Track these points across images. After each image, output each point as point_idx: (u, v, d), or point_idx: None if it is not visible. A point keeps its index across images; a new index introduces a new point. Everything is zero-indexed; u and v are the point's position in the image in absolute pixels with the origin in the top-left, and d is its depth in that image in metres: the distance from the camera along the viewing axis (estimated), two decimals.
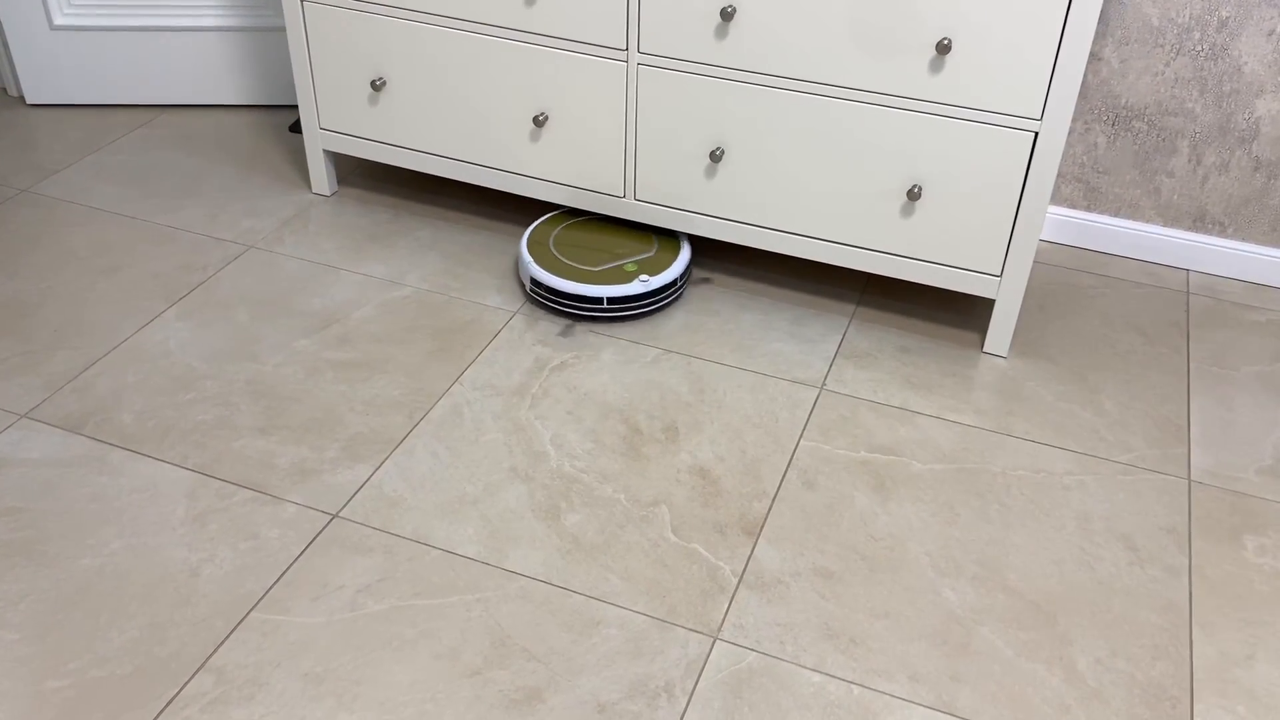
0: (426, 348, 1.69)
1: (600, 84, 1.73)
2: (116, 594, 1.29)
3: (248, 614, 1.27)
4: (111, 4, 2.25)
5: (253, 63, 2.32)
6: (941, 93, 1.55)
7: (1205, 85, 1.80)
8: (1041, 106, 1.51)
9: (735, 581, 1.33)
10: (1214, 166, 1.86)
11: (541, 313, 1.77)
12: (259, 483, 1.44)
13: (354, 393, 1.60)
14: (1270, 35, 1.73)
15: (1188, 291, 1.89)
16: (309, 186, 2.08)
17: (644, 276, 1.71)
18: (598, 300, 1.72)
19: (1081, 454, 1.54)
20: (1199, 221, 1.92)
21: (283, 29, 2.28)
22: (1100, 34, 1.82)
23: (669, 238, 1.85)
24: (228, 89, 2.34)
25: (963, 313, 1.81)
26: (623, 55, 1.69)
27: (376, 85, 1.86)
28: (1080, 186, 1.96)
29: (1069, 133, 1.84)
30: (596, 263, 1.76)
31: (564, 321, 1.75)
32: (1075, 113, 1.89)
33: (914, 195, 1.61)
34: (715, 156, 1.69)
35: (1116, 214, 1.96)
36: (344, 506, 1.41)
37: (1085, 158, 1.93)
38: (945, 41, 1.49)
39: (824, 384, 1.65)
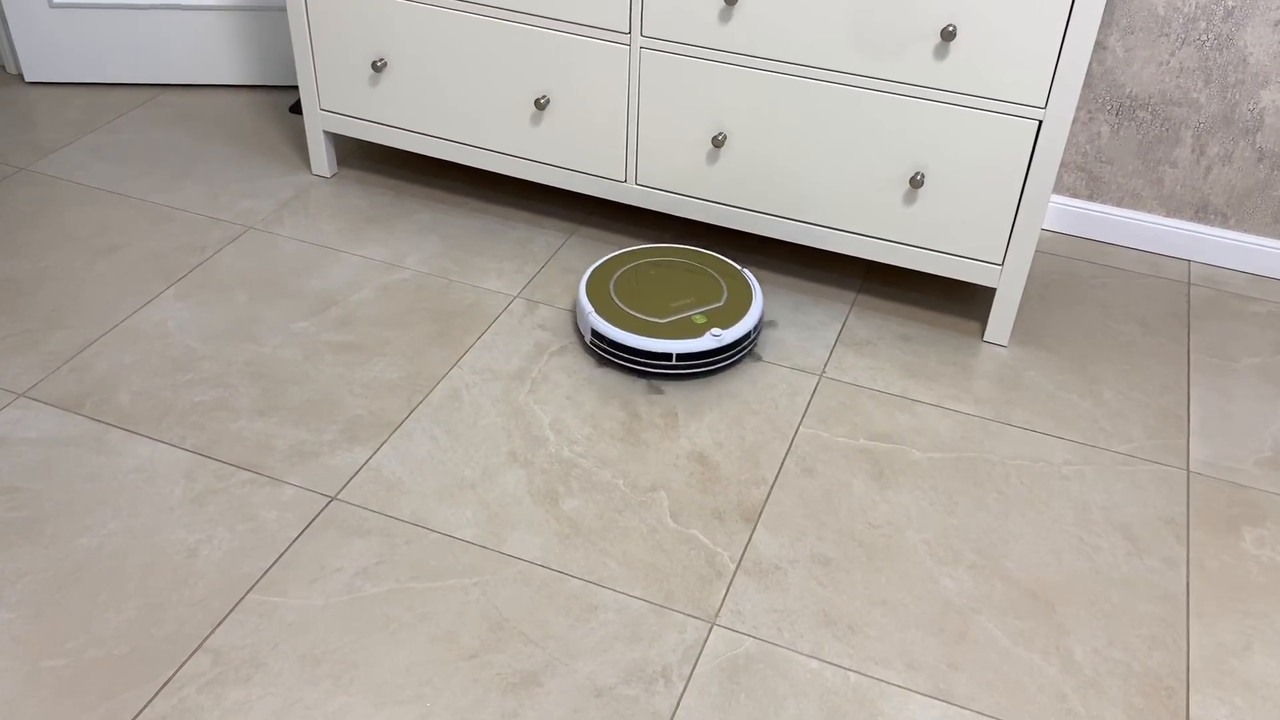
0: (426, 331, 1.68)
1: (602, 67, 1.72)
2: (114, 574, 1.28)
3: (245, 595, 1.27)
4: None
5: (253, 43, 2.30)
6: (945, 80, 1.54)
7: (1210, 75, 1.79)
8: (1046, 95, 1.50)
9: (733, 568, 1.33)
10: (1217, 157, 1.86)
11: (542, 298, 1.77)
12: (257, 464, 1.44)
13: (352, 375, 1.59)
14: (1276, 26, 1.72)
15: (1189, 282, 1.89)
16: (309, 168, 2.07)
17: (715, 330, 1.57)
18: (665, 356, 1.57)
19: (1081, 444, 1.54)
20: (1201, 212, 1.92)
21: (283, 9, 2.27)
22: (1105, 22, 1.81)
23: (739, 283, 1.70)
24: (227, 69, 2.33)
25: (964, 301, 1.81)
26: (625, 38, 1.68)
27: (377, 66, 1.85)
28: (1083, 176, 1.95)
29: (1073, 122, 1.83)
30: (662, 312, 1.62)
31: (638, 378, 1.59)
32: (1079, 102, 1.88)
33: (916, 183, 1.60)
34: (717, 142, 1.69)
35: (1119, 204, 1.96)
36: (342, 489, 1.41)
37: (1088, 147, 1.92)
38: (950, 28, 1.48)
39: (824, 371, 1.65)
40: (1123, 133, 1.89)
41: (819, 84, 1.61)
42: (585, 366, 1.63)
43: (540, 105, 1.77)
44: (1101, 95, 1.87)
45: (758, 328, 1.66)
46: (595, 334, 1.61)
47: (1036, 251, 1.95)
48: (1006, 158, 1.56)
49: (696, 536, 1.37)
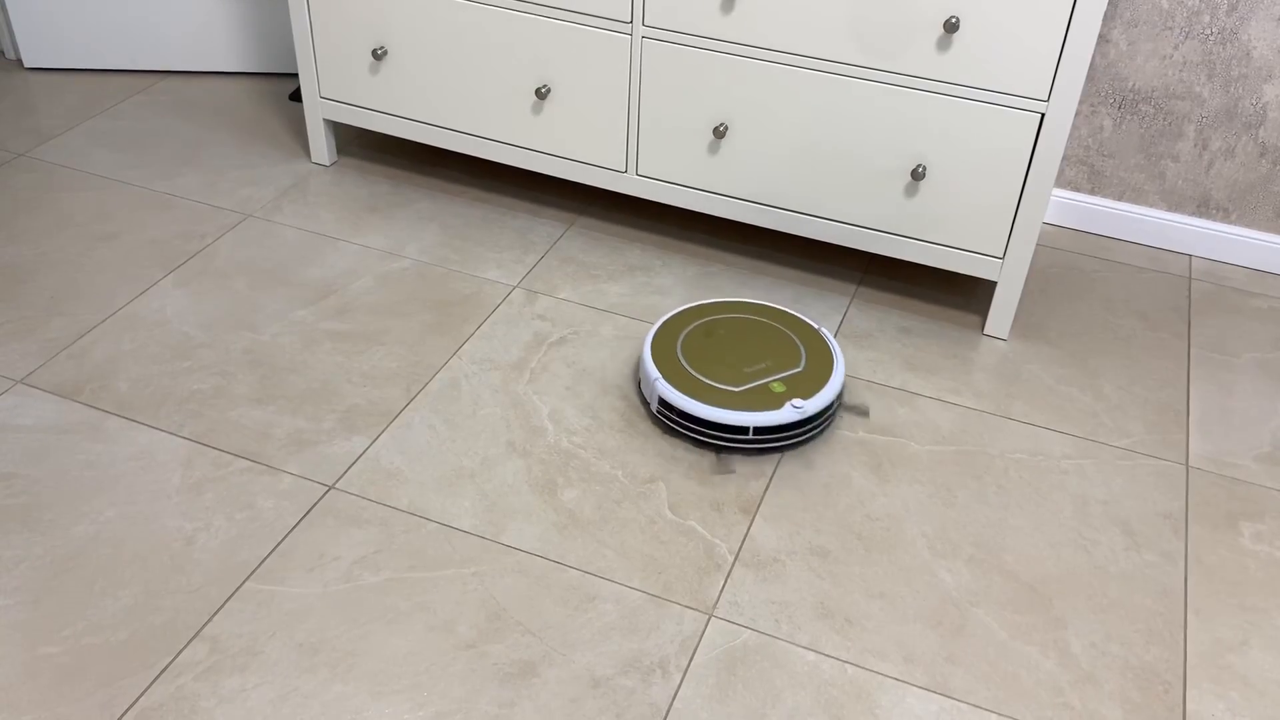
0: (425, 320, 1.68)
1: (604, 56, 1.71)
2: (111, 561, 1.28)
3: (243, 583, 1.26)
4: None
5: (253, 30, 2.29)
6: (948, 72, 1.53)
7: (1213, 69, 1.79)
8: (1049, 88, 1.50)
9: (731, 559, 1.33)
10: (1220, 152, 1.85)
11: (542, 288, 1.76)
12: (255, 453, 1.43)
13: (351, 364, 1.59)
14: None
15: (1190, 277, 1.89)
16: (308, 156, 2.06)
17: (796, 401, 1.43)
18: (741, 430, 1.44)
19: (1080, 438, 1.53)
20: (1203, 207, 1.91)
21: None
22: (1109, 15, 1.81)
23: (817, 344, 1.55)
24: (227, 56, 2.32)
25: (964, 294, 1.81)
26: (627, 28, 1.68)
27: (378, 54, 1.84)
28: (1085, 169, 1.95)
29: (1075, 115, 1.82)
30: (736, 379, 1.47)
31: (708, 453, 1.46)
32: (1082, 95, 1.88)
33: (918, 175, 1.60)
34: (719, 132, 1.68)
35: (1120, 198, 1.95)
36: (340, 478, 1.41)
37: (1090, 140, 1.92)
38: (953, 20, 1.48)
39: None
40: (1125, 126, 1.88)
41: (821, 75, 1.60)
42: (584, 357, 1.62)
43: (541, 95, 1.76)
44: (1104, 88, 1.87)
45: (839, 398, 1.52)
46: (663, 403, 1.47)
47: (1038, 245, 1.94)
48: (1008, 151, 1.56)
49: (695, 528, 1.37)
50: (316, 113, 1.99)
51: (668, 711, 1.15)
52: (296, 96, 2.25)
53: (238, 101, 2.24)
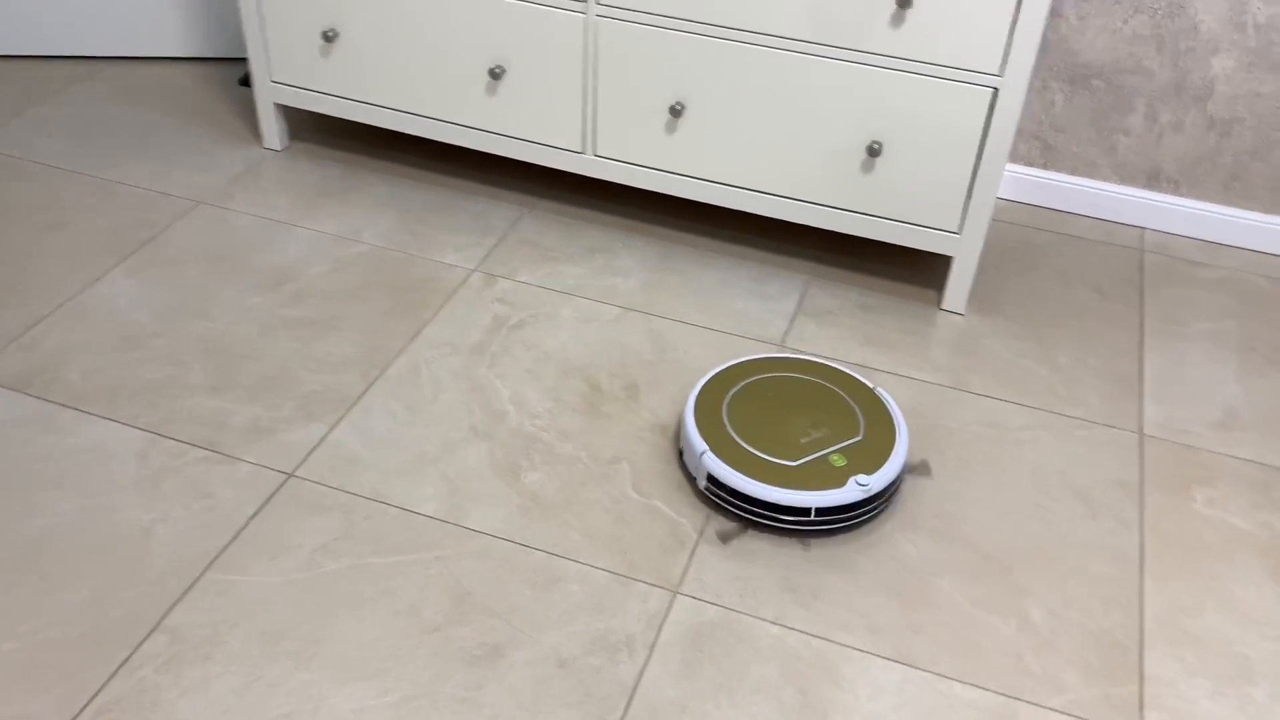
0: (382, 305, 1.66)
1: (558, 36, 1.70)
2: (67, 555, 1.26)
3: (203, 574, 1.25)
4: None
5: (200, 13, 2.25)
6: (902, 48, 1.54)
7: (1162, 43, 1.81)
8: (1001, 63, 1.51)
9: (696, 537, 1.33)
10: (1169, 125, 1.88)
11: (500, 271, 1.75)
12: (212, 442, 1.42)
13: (308, 351, 1.57)
14: None
15: (1142, 249, 1.91)
16: (260, 141, 2.03)
17: (861, 478, 1.29)
18: (802, 511, 1.30)
19: (1037, 409, 1.55)
20: (1154, 180, 1.94)
21: None
22: None
23: (875, 407, 1.42)
24: (173, 40, 2.28)
25: (922, 270, 1.82)
26: (582, 7, 1.67)
27: (328, 36, 1.82)
28: (1037, 144, 1.97)
29: (1027, 90, 1.84)
30: (792, 450, 1.33)
31: (727, 521, 1.34)
32: (1034, 70, 1.89)
33: (874, 151, 1.61)
34: (675, 111, 1.68)
35: (1073, 172, 1.98)
36: (299, 465, 1.39)
37: (1043, 115, 1.94)
38: None
39: (784, 342, 1.65)
40: (1076, 101, 1.90)
41: (776, 53, 1.60)
42: (545, 339, 1.62)
43: (495, 75, 1.75)
44: (1055, 64, 1.88)
45: (905, 469, 1.38)
46: (713, 480, 1.33)
47: (993, 220, 1.96)
48: (962, 126, 1.57)
49: (659, 507, 1.37)
50: (267, 97, 1.96)
51: (635, 689, 1.16)
52: (246, 81, 2.21)
53: (186, 87, 2.20)
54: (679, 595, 1.26)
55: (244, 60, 2.32)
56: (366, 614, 1.22)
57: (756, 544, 1.32)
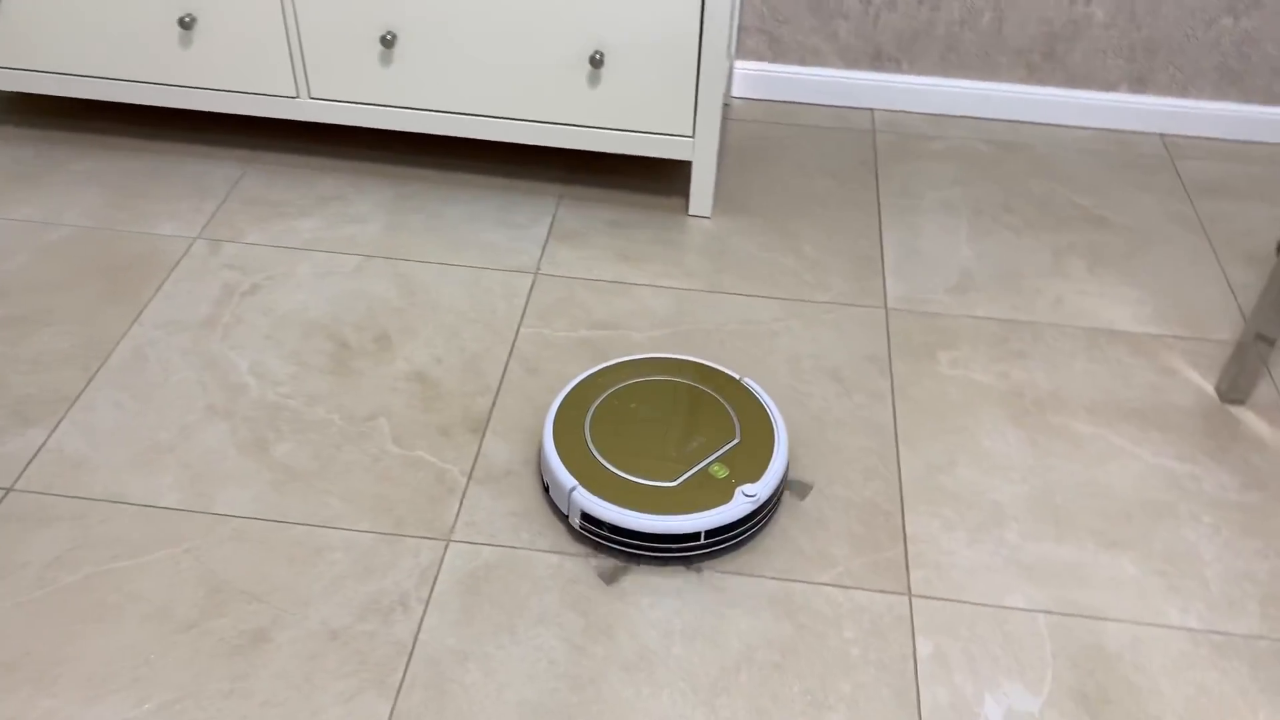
0: (96, 290, 1.52)
1: None
2: None
3: None
4: None
5: None
6: None
7: None
8: None
9: (464, 481, 1.29)
10: (883, 4, 1.92)
11: (226, 235, 1.63)
12: None
13: (15, 352, 1.42)
14: None
15: (874, 129, 1.97)
16: None
17: (747, 488, 1.19)
18: (691, 537, 1.17)
19: (787, 299, 1.58)
20: (876, 60, 1.99)
21: None
22: None
23: (747, 402, 1.31)
24: None
25: (666, 179, 1.81)
26: None
27: None
28: (764, 38, 1.98)
29: None
30: (667, 468, 1.21)
31: (608, 559, 1.20)
32: None
33: (597, 62, 1.57)
34: (387, 41, 1.59)
35: (801, 62, 2.00)
36: (19, 477, 1.26)
37: (764, 8, 1.95)
38: None
39: (538, 269, 1.62)
40: None
41: None
42: (282, 301, 1.52)
43: (186, 24, 1.60)
44: None
45: (787, 474, 1.27)
46: (589, 518, 1.20)
47: (730, 120, 1.97)
48: (679, 28, 1.55)
49: (423, 457, 1.32)
50: None
51: (413, 646, 1.12)
52: None
53: None
54: (452, 543, 1.23)
55: None
56: (112, 624, 1.12)
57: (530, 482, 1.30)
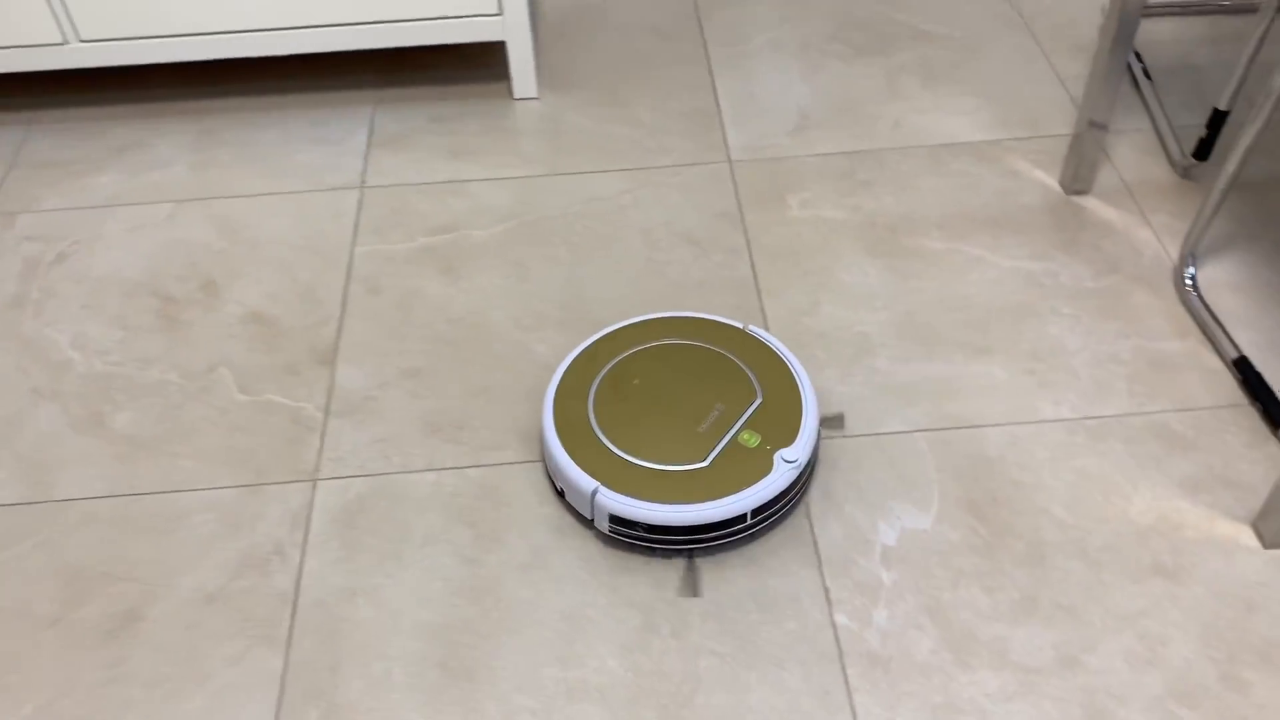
0: None
1: None
2: None
3: None
4: None
5: None
6: None
7: None
8: None
9: (322, 416, 1.23)
10: None
11: (17, 206, 1.49)
12: None
13: None
14: None
15: None
16: None
17: (786, 453, 1.06)
18: (737, 520, 1.05)
19: (631, 170, 1.53)
20: None
21: None
22: None
23: (759, 354, 1.17)
24: None
25: (486, 65, 1.72)
26: None
27: None
28: None
29: None
30: (693, 447, 1.07)
31: (659, 557, 1.08)
32: None
33: None
34: None
35: None
36: None
37: None
38: None
39: (364, 182, 1.53)
40: None
41: None
42: (95, 265, 1.41)
43: None
44: None
45: (821, 425, 1.16)
46: (620, 520, 1.06)
47: None
48: None
49: (273, 400, 1.25)
50: None
51: (296, 592, 1.07)
52: None
53: None
54: (319, 482, 1.17)
55: None
56: None
57: (392, 401, 1.24)
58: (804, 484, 1.12)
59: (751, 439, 1.09)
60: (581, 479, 1.07)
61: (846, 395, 1.23)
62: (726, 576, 1.06)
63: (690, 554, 1.07)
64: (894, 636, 1.02)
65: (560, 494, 1.13)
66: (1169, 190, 1.46)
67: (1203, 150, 1.45)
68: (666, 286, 1.36)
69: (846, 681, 0.98)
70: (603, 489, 1.06)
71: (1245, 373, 1.21)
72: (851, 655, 1.00)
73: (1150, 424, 1.19)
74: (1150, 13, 1.76)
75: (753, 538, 1.08)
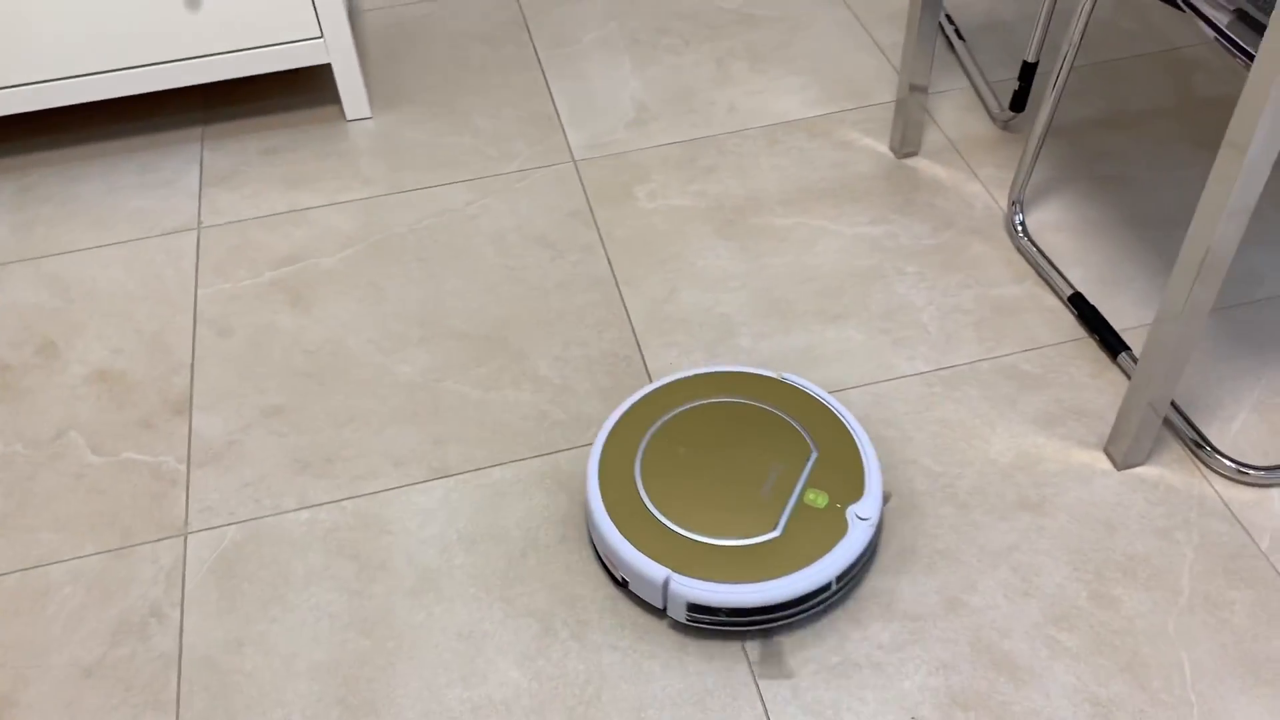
0: None
1: None
2: None
3: None
4: None
5: None
6: None
7: None
8: None
9: (184, 468, 1.19)
10: None
11: None
12: None
13: None
14: None
15: None
16: None
17: (859, 509, 1.01)
18: (821, 590, 0.98)
19: (475, 179, 1.52)
20: None
21: None
22: None
23: (803, 404, 1.11)
24: None
25: (314, 89, 1.69)
26: None
27: None
28: None
29: None
30: (760, 514, 1.00)
31: (757, 645, 1.01)
32: None
33: None
34: None
35: None
36: None
37: None
38: None
39: (200, 222, 1.47)
40: None
41: None
42: None
43: None
44: None
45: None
46: (698, 608, 0.98)
47: (367, 10, 1.85)
48: None
49: (131, 458, 1.20)
50: None
51: (180, 651, 1.03)
52: None
53: None
54: (190, 535, 1.13)
55: None
56: None
57: (254, 447, 1.20)
58: (876, 544, 1.06)
59: (819, 498, 1.03)
60: (650, 567, 0.98)
61: None
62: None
63: (768, 632, 1.01)
64: None
65: (621, 584, 1.05)
66: (992, 143, 1.53)
67: (1018, 102, 1.53)
68: (526, 291, 1.36)
69: (746, 654, 1.00)
70: (676, 576, 0.97)
71: (1080, 307, 1.29)
72: None
73: (1000, 367, 1.24)
74: None
75: (830, 606, 1.03)
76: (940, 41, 1.71)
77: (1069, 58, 1.28)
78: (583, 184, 1.51)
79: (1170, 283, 0.99)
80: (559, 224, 1.45)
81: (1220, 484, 1.12)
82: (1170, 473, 1.13)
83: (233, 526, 1.13)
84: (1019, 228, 1.39)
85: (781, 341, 1.28)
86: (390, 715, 0.98)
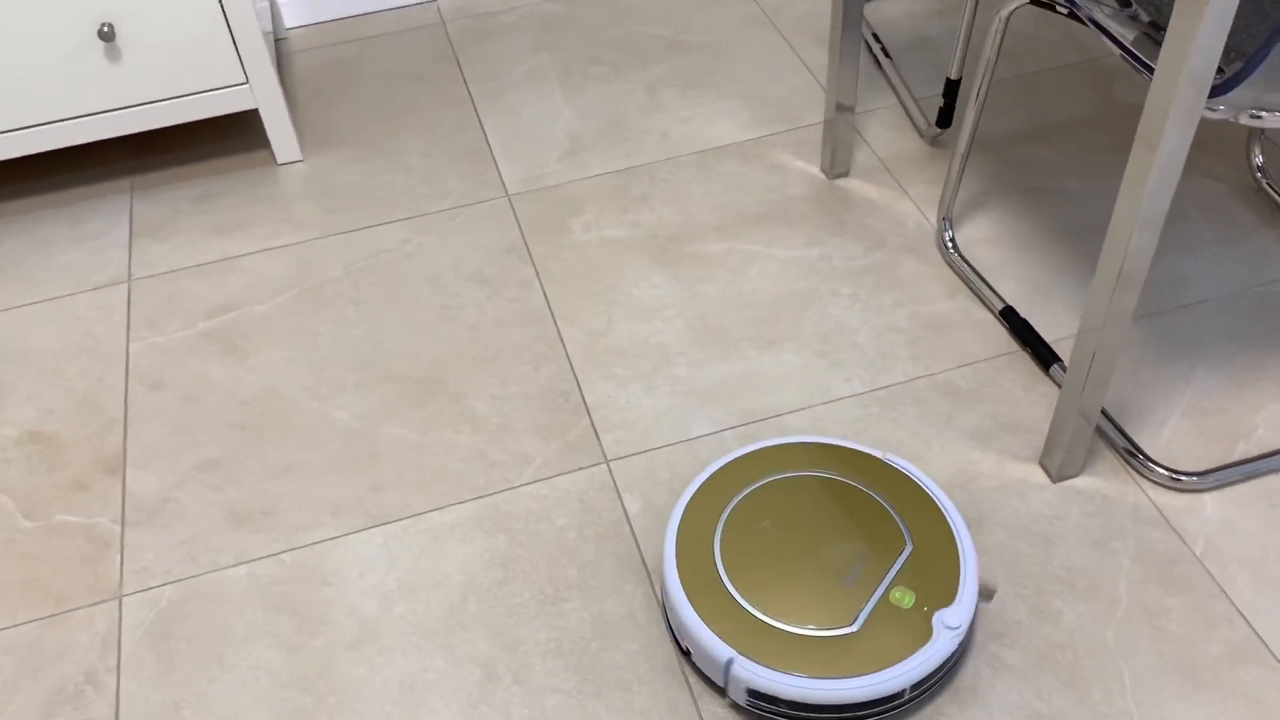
0: None
1: None
2: None
3: None
4: None
5: None
6: None
7: None
8: None
9: (118, 528, 1.17)
10: None
11: None
12: None
13: None
14: None
15: (442, 20, 1.89)
16: None
17: (947, 617, 0.93)
18: (893, 698, 0.92)
19: (409, 218, 1.52)
20: None
21: None
22: None
23: (903, 489, 1.04)
24: None
25: (243, 135, 1.67)
26: None
27: None
28: None
29: None
30: (839, 605, 0.94)
31: None
32: None
33: (107, 36, 1.40)
34: None
35: None
36: None
37: None
38: None
39: (130, 274, 1.46)
40: None
41: None
42: None
43: None
44: None
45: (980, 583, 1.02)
46: (759, 695, 0.93)
47: (292, 53, 1.84)
48: None
49: (64, 520, 1.18)
50: None
51: (116, 718, 1.01)
52: None
53: None
54: (125, 598, 1.11)
55: None
56: None
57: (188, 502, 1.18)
58: (957, 655, 0.97)
59: (905, 598, 0.95)
60: (715, 645, 0.94)
61: (652, 408, 1.25)
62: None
63: None
64: None
65: (685, 653, 1.00)
66: (921, 160, 1.55)
67: (944, 118, 1.55)
68: (462, 330, 1.35)
69: (690, 688, 1.00)
70: (740, 659, 0.92)
71: (1012, 321, 1.30)
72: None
73: (935, 384, 1.25)
74: None
75: (904, 713, 0.97)
76: (868, 60, 1.73)
77: (987, 74, 1.29)
78: (517, 219, 1.51)
79: (1091, 291, 1.00)
80: (494, 260, 1.45)
81: (1154, 491, 1.13)
82: (1105, 483, 1.14)
83: (169, 586, 1.11)
84: (949, 244, 1.40)
85: (719, 369, 1.28)
86: None
